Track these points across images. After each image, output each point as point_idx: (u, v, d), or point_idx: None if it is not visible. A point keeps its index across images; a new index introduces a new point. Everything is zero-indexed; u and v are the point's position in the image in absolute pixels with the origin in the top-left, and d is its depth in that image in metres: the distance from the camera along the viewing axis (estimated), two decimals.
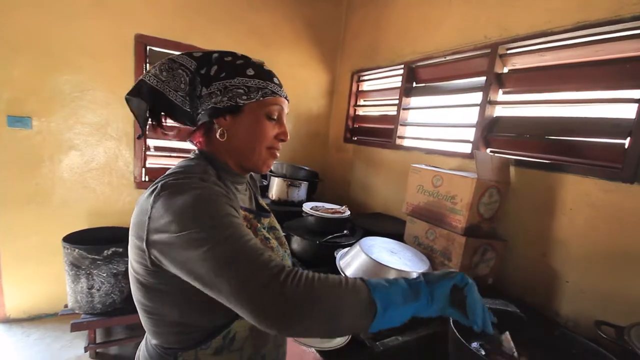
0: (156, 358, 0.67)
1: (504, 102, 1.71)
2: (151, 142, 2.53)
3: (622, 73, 1.28)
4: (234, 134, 0.71)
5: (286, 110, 0.77)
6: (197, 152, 0.75)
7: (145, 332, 0.75)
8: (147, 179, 2.52)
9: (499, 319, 0.87)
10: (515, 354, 0.78)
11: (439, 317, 1.00)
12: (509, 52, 1.67)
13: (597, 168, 1.30)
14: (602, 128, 1.32)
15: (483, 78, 1.74)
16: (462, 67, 1.92)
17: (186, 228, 0.54)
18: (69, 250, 1.91)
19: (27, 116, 2.10)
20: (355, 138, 2.90)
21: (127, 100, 0.69)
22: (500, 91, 1.72)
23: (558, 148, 1.46)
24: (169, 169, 0.69)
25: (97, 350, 2.08)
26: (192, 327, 0.65)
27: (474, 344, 0.84)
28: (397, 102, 2.36)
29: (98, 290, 1.97)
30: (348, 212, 1.96)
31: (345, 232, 1.78)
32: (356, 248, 1.30)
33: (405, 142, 2.33)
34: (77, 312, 2.04)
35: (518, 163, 1.54)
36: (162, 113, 0.73)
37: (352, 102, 2.90)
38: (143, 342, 0.75)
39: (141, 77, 0.69)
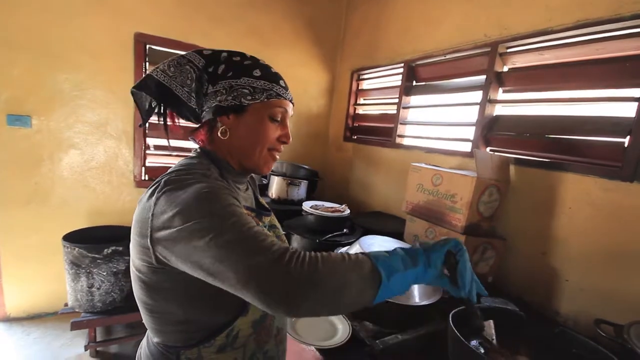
0: (158, 356, 0.67)
1: (504, 101, 1.71)
2: (151, 141, 2.53)
3: (622, 72, 1.28)
4: (236, 133, 0.71)
5: (290, 113, 0.77)
6: (198, 150, 0.75)
7: (146, 330, 0.75)
8: (146, 178, 2.52)
9: (498, 318, 0.87)
10: (494, 341, 0.80)
11: (438, 317, 1.00)
12: (509, 50, 1.66)
13: (596, 167, 1.30)
14: (602, 127, 1.32)
15: (483, 77, 1.74)
16: (462, 65, 1.92)
17: (189, 220, 0.54)
18: (69, 249, 1.91)
19: (27, 115, 2.09)
20: (355, 137, 2.90)
21: (133, 93, 0.70)
22: (500, 90, 1.72)
23: (558, 147, 1.46)
24: (168, 167, 0.69)
25: (98, 349, 2.08)
26: (195, 326, 0.65)
27: (473, 342, 0.85)
28: (397, 100, 2.35)
29: (98, 288, 1.97)
30: (348, 211, 1.96)
31: (345, 230, 1.78)
32: (356, 247, 1.30)
33: (405, 141, 2.32)
34: (77, 310, 2.04)
35: (518, 162, 1.55)
36: (169, 110, 0.73)
37: (352, 101, 2.90)
38: (144, 341, 0.75)
39: (149, 72, 0.70)
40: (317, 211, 1.77)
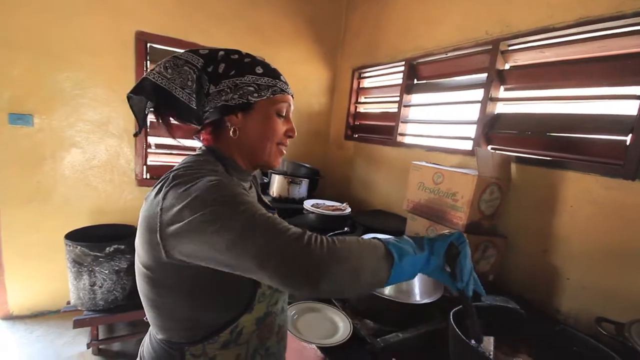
0: (161, 353, 0.68)
1: (505, 99, 1.70)
2: (152, 140, 2.54)
3: (623, 69, 1.28)
4: (246, 131, 0.72)
5: (292, 107, 0.78)
6: (203, 148, 0.75)
7: (148, 328, 0.75)
8: (148, 177, 2.52)
9: (499, 316, 0.87)
10: (491, 356, 0.79)
11: (439, 315, 1.00)
12: (510, 48, 1.66)
13: (598, 165, 1.30)
14: (603, 125, 1.32)
15: (484, 75, 1.74)
16: (464, 63, 1.92)
17: (201, 210, 0.55)
18: (71, 248, 1.92)
19: (29, 114, 2.10)
20: (356, 135, 2.90)
21: (129, 98, 0.68)
22: (502, 88, 1.72)
23: (559, 145, 1.46)
24: (170, 166, 0.69)
25: (100, 347, 2.10)
26: (201, 322, 0.65)
27: (474, 342, 0.85)
28: (398, 99, 2.35)
29: (100, 287, 1.98)
30: (349, 209, 1.97)
31: (346, 229, 1.78)
32: None
33: (406, 139, 2.32)
34: (79, 308, 2.05)
35: (519, 160, 1.54)
36: (167, 112, 0.72)
37: (353, 99, 2.89)
38: (147, 338, 0.75)
39: (145, 75, 0.68)
40: (318, 209, 1.77)
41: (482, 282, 0.73)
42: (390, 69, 2.52)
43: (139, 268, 0.66)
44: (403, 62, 2.30)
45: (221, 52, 0.72)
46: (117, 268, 2.00)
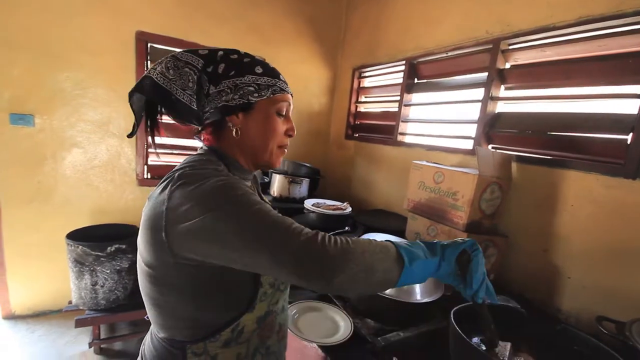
0: (162, 352, 0.68)
1: (506, 98, 1.70)
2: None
3: (624, 68, 1.28)
4: (247, 131, 0.72)
5: (292, 107, 0.79)
6: (205, 148, 0.75)
7: (149, 327, 0.76)
8: (149, 176, 2.53)
9: (499, 315, 0.87)
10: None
11: (440, 314, 1.00)
12: (510, 47, 1.66)
13: (599, 164, 1.30)
14: (604, 123, 1.32)
15: (485, 74, 1.74)
16: (464, 62, 1.92)
17: (211, 209, 0.56)
18: (73, 247, 1.93)
19: (30, 114, 2.10)
20: (357, 135, 2.90)
21: (130, 96, 0.69)
22: (502, 87, 1.72)
23: (560, 144, 1.46)
24: (171, 166, 0.70)
25: (102, 346, 2.10)
26: (202, 321, 0.65)
27: (475, 339, 0.85)
28: (398, 98, 2.35)
29: (102, 286, 1.98)
30: (349, 209, 1.97)
31: (346, 228, 1.78)
32: None
33: (407, 139, 2.32)
34: (81, 308, 2.05)
35: (520, 159, 1.54)
36: (163, 112, 0.72)
37: (354, 99, 2.89)
38: (148, 337, 0.75)
39: (146, 73, 0.68)
40: (318, 209, 1.77)
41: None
42: (390, 69, 2.51)
43: (141, 266, 0.66)
44: (403, 62, 2.30)
45: (220, 53, 0.72)
46: (118, 267, 2.01)
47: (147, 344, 0.74)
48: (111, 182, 2.41)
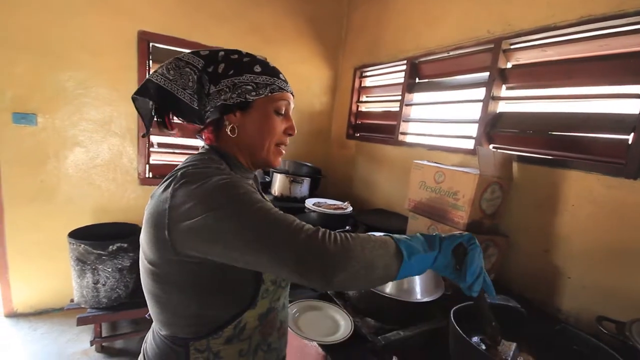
0: (165, 349, 0.68)
1: (507, 98, 1.70)
2: (155, 139, 2.55)
3: (625, 68, 1.27)
4: (245, 129, 0.72)
5: (292, 105, 0.79)
6: (206, 147, 0.75)
7: (150, 325, 0.76)
8: (150, 176, 2.54)
9: (499, 314, 0.87)
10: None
11: (440, 313, 1.01)
12: (512, 47, 1.65)
13: (600, 164, 1.29)
14: (605, 124, 1.32)
15: (486, 73, 1.73)
16: (465, 62, 1.91)
17: (214, 207, 0.56)
18: (75, 246, 1.94)
19: (32, 113, 2.11)
20: (358, 134, 2.90)
21: (134, 99, 0.70)
22: (504, 87, 1.71)
23: (561, 144, 1.46)
24: (172, 165, 0.70)
25: (103, 344, 2.11)
26: (206, 318, 0.66)
27: (475, 339, 0.85)
28: (399, 98, 2.35)
29: (103, 285, 1.99)
30: (350, 208, 1.97)
31: (347, 228, 1.79)
32: None
33: (408, 138, 2.32)
34: (83, 306, 2.06)
35: (521, 159, 1.54)
36: (169, 112, 0.74)
37: (355, 98, 2.89)
38: (149, 335, 0.76)
39: (148, 77, 0.70)
40: (319, 208, 1.78)
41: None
42: (391, 68, 2.51)
43: (144, 264, 0.66)
44: (405, 61, 2.30)
45: (221, 53, 0.73)
46: (120, 266, 2.02)
47: (149, 341, 0.74)
48: (113, 181, 2.42)
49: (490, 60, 1.71)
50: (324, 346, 0.99)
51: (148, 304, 0.70)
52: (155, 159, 2.56)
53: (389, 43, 2.46)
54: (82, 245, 1.92)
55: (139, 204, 2.50)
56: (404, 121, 2.33)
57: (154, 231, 0.61)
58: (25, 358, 1.99)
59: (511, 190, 1.51)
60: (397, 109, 2.37)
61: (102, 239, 1.97)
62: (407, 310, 1.09)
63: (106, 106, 2.30)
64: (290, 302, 1.16)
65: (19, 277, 2.27)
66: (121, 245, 2.00)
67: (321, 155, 3.17)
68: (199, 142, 0.80)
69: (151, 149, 2.52)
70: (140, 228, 0.67)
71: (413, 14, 2.25)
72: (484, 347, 0.82)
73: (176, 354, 0.67)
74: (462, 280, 0.66)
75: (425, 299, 1.09)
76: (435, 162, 1.65)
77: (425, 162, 1.62)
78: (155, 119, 0.74)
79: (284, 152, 0.79)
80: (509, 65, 1.70)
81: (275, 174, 2.35)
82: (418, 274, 0.66)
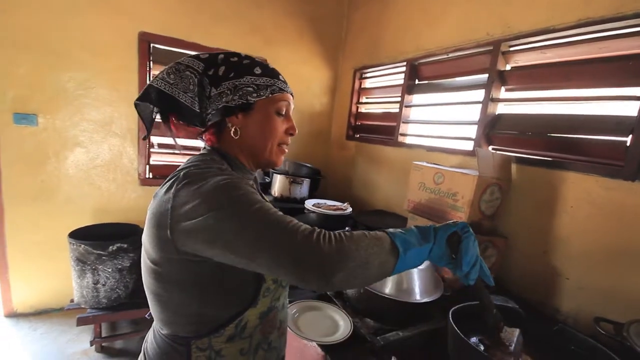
0: (166, 348, 0.69)
1: (506, 100, 1.71)
2: (155, 140, 2.55)
3: (624, 70, 1.28)
4: (246, 131, 0.73)
5: (292, 106, 0.80)
6: (208, 148, 0.76)
7: (150, 325, 0.77)
8: (151, 176, 2.54)
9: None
10: (512, 348, 0.78)
11: (439, 314, 1.01)
12: (511, 49, 1.66)
13: (598, 166, 1.30)
14: (604, 125, 1.32)
15: (485, 75, 1.74)
16: (465, 64, 1.92)
17: (215, 208, 0.57)
18: (75, 246, 1.94)
19: (33, 113, 2.12)
20: (358, 135, 2.91)
21: (136, 105, 0.71)
22: (503, 88, 1.72)
23: (560, 145, 1.46)
24: (173, 165, 0.71)
25: (103, 344, 2.12)
26: (208, 317, 0.67)
27: (473, 339, 0.86)
28: (399, 99, 2.36)
29: (103, 285, 2.00)
30: (350, 209, 1.98)
31: (347, 229, 1.79)
32: None
33: (407, 140, 2.33)
34: (83, 306, 2.07)
35: (519, 160, 1.55)
36: (172, 116, 0.74)
37: (355, 100, 2.90)
38: (150, 334, 0.76)
39: (149, 83, 0.71)
40: (319, 209, 1.78)
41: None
42: (391, 70, 2.52)
43: (145, 263, 0.67)
44: (404, 63, 2.31)
45: (221, 56, 0.74)
46: (120, 266, 2.02)
47: (150, 341, 0.75)
48: (113, 182, 2.43)
49: (490, 62, 1.72)
50: (323, 346, 1.00)
51: (149, 302, 0.70)
52: (155, 159, 2.57)
53: (389, 44, 2.47)
54: (82, 246, 1.92)
55: (139, 205, 2.50)
56: (403, 122, 2.34)
57: (156, 230, 0.62)
58: (25, 358, 1.99)
59: (510, 192, 1.51)
60: (397, 110, 2.38)
61: (102, 239, 1.97)
62: (406, 311, 1.10)
63: (107, 107, 2.31)
64: (290, 302, 1.17)
65: (19, 277, 2.28)
66: (121, 246, 2.00)
67: (321, 156, 3.17)
68: (199, 143, 0.81)
69: (151, 150, 2.53)
70: (141, 228, 0.68)
71: (413, 15, 2.26)
72: (482, 347, 0.82)
73: (178, 353, 0.67)
74: (458, 269, 0.66)
75: (425, 300, 1.09)
76: (435, 164, 1.65)
77: (424, 164, 1.63)
78: (165, 124, 0.75)
79: (286, 150, 0.81)
80: (508, 67, 1.70)
81: (275, 174, 2.36)
82: (414, 267, 0.66)
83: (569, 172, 1.37)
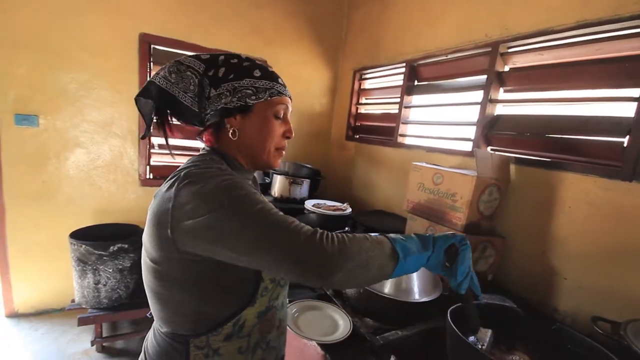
0: (165, 346, 0.70)
1: (505, 101, 1.72)
2: (155, 140, 2.56)
3: (621, 72, 1.29)
4: (245, 133, 0.74)
5: (290, 109, 0.80)
6: (207, 148, 0.77)
7: (151, 325, 0.78)
8: (151, 177, 2.55)
9: (496, 314, 0.89)
10: (484, 347, 0.82)
11: (438, 313, 1.02)
12: (509, 50, 1.67)
13: (596, 166, 1.31)
14: (601, 126, 1.33)
15: (484, 76, 1.75)
16: (464, 65, 1.93)
17: (217, 207, 0.58)
18: (76, 246, 1.95)
19: (34, 114, 2.13)
20: (357, 136, 2.92)
21: (136, 100, 0.72)
22: (501, 89, 1.73)
23: (558, 146, 1.47)
24: (173, 166, 0.72)
25: (104, 344, 2.12)
26: (207, 315, 0.68)
27: (471, 338, 0.86)
28: (398, 100, 2.37)
29: (104, 285, 2.00)
30: (349, 210, 1.98)
31: (346, 229, 1.80)
32: None
33: (407, 140, 2.34)
34: (83, 307, 2.07)
35: (518, 161, 1.56)
36: (169, 114, 0.75)
37: (354, 100, 2.91)
38: (150, 333, 0.77)
39: (150, 79, 0.72)
40: (319, 210, 1.79)
41: (480, 282, 0.76)
42: (391, 71, 2.53)
43: (146, 262, 0.68)
44: (404, 64, 2.32)
45: (221, 57, 0.75)
46: (120, 267, 2.03)
47: (150, 339, 0.76)
48: (114, 182, 2.44)
49: (488, 64, 1.73)
50: (323, 345, 1.00)
51: (149, 301, 0.71)
52: (155, 160, 2.58)
53: (389, 45, 2.48)
54: (83, 246, 1.93)
55: (140, 205, 2.51)
56: (402, 123, 2.35)
57: (157, 229, 0.63)
58: (26, 358, 1.99)
59: (509, 192, 1.52)
60: (396, 111, 2.39)
61: (103, 240, 1.98)
62: (405, 310, 1.11)
63: (107, 107, 2.32)
64: (290, 301, 1.17)
65: (20, 277, 2.28)
66: (122, 246, 2.01)
67: (321, 156, 3.18)
68: (198, 144, 0.82)
69: (152, 151, 2.54)
70: (141, 229, 0.69)
71: (412, 16, 2.27)
72: (480, 346, 0.83)
73: (176, 351, 0.68)
74: (452, 278, 0.70)
75: (423, 299, 1.10)
76: (434, 164, 1.66)
77: (423, 164, 1.63)
78: (155, 121, 0.75)
79: (283, 153, 0.81)
80: (507, 68, 1.71)
81: (275, 175, 2.37)
82: (412, 272, 0.69)
83: (567, 172, 1.38)
